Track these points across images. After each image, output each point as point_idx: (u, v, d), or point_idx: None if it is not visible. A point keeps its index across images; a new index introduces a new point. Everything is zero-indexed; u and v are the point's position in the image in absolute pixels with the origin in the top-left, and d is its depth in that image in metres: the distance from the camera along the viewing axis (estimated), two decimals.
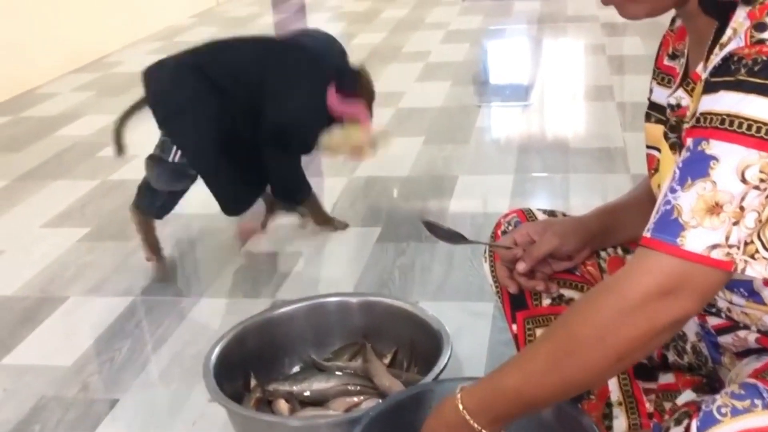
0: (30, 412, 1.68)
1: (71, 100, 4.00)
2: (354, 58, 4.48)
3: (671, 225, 0.82)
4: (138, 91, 4.06)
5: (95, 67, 4.69)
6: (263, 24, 5.82)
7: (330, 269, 2.22)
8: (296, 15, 6.15)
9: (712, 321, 1.12)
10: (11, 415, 1.68)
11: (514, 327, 1.32)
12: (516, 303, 1.30)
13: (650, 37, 4.21)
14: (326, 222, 2.39)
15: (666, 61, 1.12)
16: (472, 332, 1.82)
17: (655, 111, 1.13)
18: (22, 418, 1.66)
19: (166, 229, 2.51)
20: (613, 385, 1.24)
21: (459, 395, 0.96)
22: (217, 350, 1.53)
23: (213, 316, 2.01)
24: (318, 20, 5.87)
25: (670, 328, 0.85)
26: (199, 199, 2.71)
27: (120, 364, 1.83)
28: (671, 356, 1.26)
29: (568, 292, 1.28)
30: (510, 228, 1.36)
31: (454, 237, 1.36)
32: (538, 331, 1.29)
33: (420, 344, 1.58)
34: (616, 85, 3.67)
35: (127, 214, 2.32)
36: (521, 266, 1.21)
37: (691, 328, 1.20)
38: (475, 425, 0.95)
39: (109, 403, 1.69)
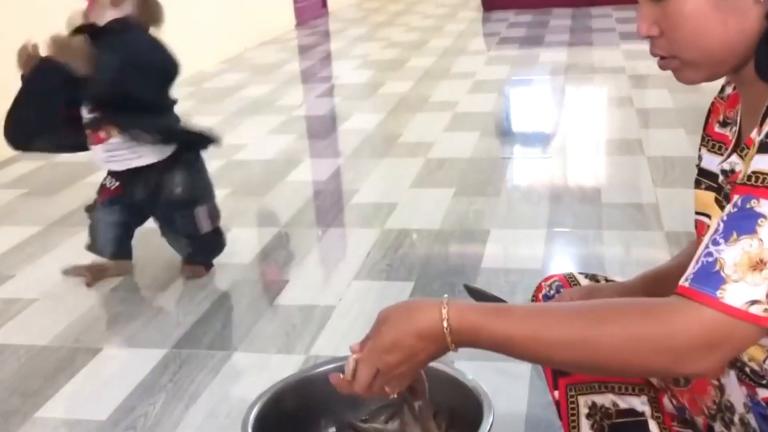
0: None
1: None
2: (382, 107, 4.56)
3: (712, 277, 0.82)
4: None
5: None
6: (290, 70, 5.89)
7: (363, 324, 2.21)
8: (323, 62, 6.23)
9: (762, 393, 1.10)
10: None
11: (556, 393, 1.30)
12: (559, 370, 1.29)
13: (677, 90, 4.23)
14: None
15: (717, 129, 1.12)
16: (509, 394, 1.80)
17: (705, 178, 1.13)
18: None
19: (199, 281, 2.52)
20: None
21: (447, 308, 0.92)
22: (254, 411, 1.52)
23: (246, 372, 2.00)
24: (344, 68, 5.94)
25: (693, 375, 0.86)
26: (231, 249, 2.74)
27: (154, 420, 1.82)
28: (718, 427, 1.24)
29: None
30: (552, 292, 1.36)
31: (496, 302, 1.35)
32: (581, 399, 1.28)
33: (459, 407, 1.56)
34: (644, 138, 3.67)
35: (159, 265, 2.34)
36: None
37: (739, 400, 1.18)
38: (449, 341, 0.92)
39: None
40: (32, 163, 3.72)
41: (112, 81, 2.16)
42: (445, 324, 0.92)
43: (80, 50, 2.15)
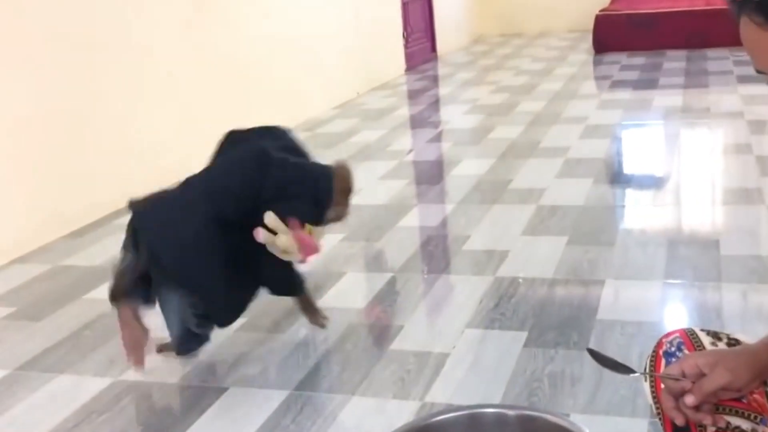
0: None
1: None
2: (492, 152, 4.59)
3: None
4: None
5: None
6: (400, 115, 6.02)
7: (477, 373, 2.24)
8: (432, 107, 6.33)
9: None
10: None
11: None
12: (679, 426, 1.29)
13: None
14: (314, 315, 2.50)
15: None
16: None
17: None
18: None
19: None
20: None
21: None
22: None
23: (364, 417, 2.06)
24: (453, 112, 6.02)
25: None
26: (346, 293, 2.83)
27: None
28: None
29: (734, 420, 1.26)
30: (672, 349, 1.36)
31: (620, 368, 1.35)
32: None
33: None
34: (765, 186, 3.57)
35: (278, 308, 2.45)
36: (690, 400, 1.21)
37: None
38: None
39: None
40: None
41: None
42: None
43: None
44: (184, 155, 4.60)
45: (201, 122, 4.80)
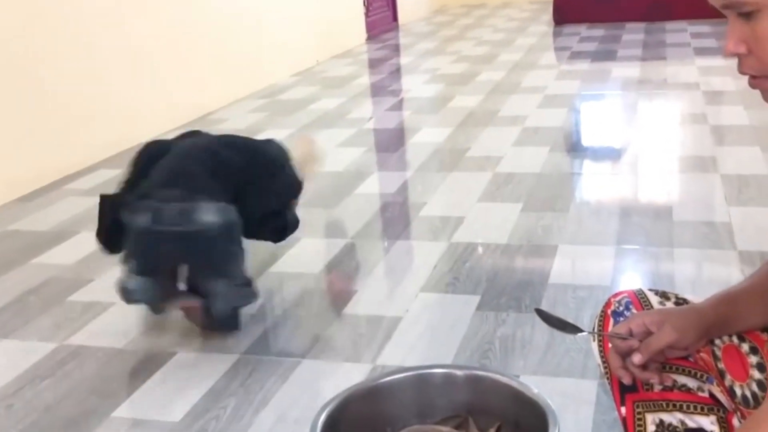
0: None
1: None
2: (451, 121, 4.58)
3: None
4: None
5: (200, 124, 4.88)
6: (361, 84, 5.96)
7: (430, 336, 2.23)
8: (393, 76, 6.29)
9: None
10: None
11: (623, 410, 1.30)
12: (625, 385, 1.29)
13: (753, 107, 4.14)
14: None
15: None
16: (575, 410, 1.80)
17: None
18: None
19: (268, 285, 2.59)
20: None
21: None
22: (323, 416, 1.56)
23: (314, 379, 2.04)
24: (414, 82, 5.98)
25: None
26: (301, 259, 2.80)
27: (225, 423, 1.87)
28: None
29: (681, 379, 1.26)
30: (621, 308, 1.35)
31: (568, 327, 1.35)
32: (649, 416, 1.28)
33: (524, 422, 1.56)
34: (718, 155, 3.60)
35: None
36: (637, 358, 1.20)
37: None
38: None
39: None
40: None
41: None
42: None
43: None
44: (136, 121, 4.52)
45: (156, 89, 4.71)
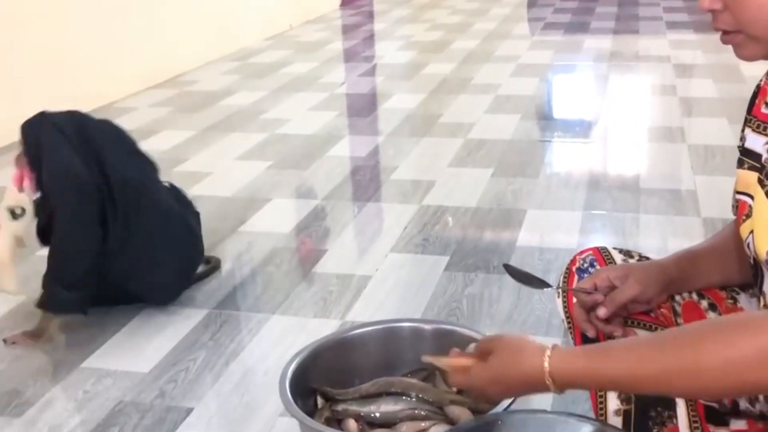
0: (108, 414, 1.75)
1: (149, 116, 4.14)
2: (424, 87, 4.58)
3: None
4: (211, 111, 4.17)
5: (172, 85, 4.84)
6: (334, 49, 5.94)
7: (398, 295, 2.26)
8: (366, 42, 6.26)
9: None
10: (91, 416, 1.75)
11: None
12: (588, 340, 1.32)
13: (722, 80, 4.20)
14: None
15: (764, 109, 1.14)
16: None
17: (748, 158, 1.15)
18: (101, 421, 1.73)
19: (238, 245, 2.60)
20: (683, 425, 1.25)
21: (548, 356, 0.97)
22: (292, 366, 1.58)
23: (284, 334, 2.06)
24: (387, 48, 5.97)
25: None
26: (271, 219, 2.81)
27: (195, 374, 1.89)
28: (743, 403, 1.26)
29: (642, 333, 1.30)
30: (585, 265, 1.38)
31: (535, 281, 1.38)
32: None
33: None
34: (686, 126, 3.66)
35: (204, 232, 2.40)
36: (602, 312, 1.24)
37: None
38: (551, 386, 0.97)
39: (185, 411, 1.75)
40: None
41: None
42: (547, 374, 0.97)
43: None
44: (108, 82, 4.47)
45: (128, 49, 4.65)
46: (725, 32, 1.02)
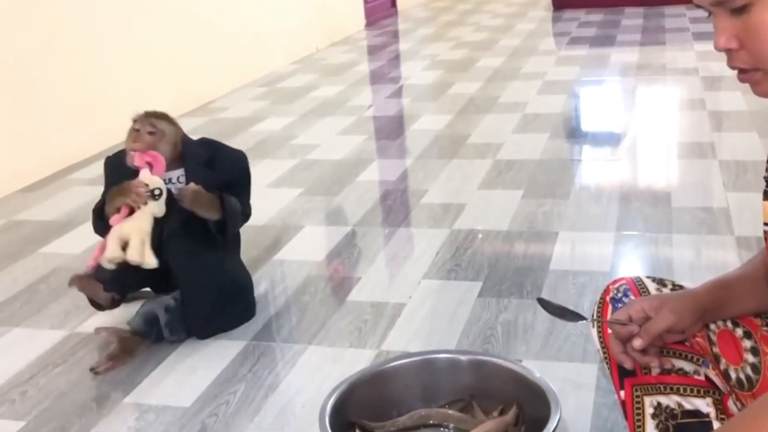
0: None
1: None
2: (451, 108, 4.60)
3: None
4: (243, 138, 4.23)
5: (202, 112, 4.91)
6: (360, 71, 5.99)
7: (433, 322, 2.27)
8: (392, 63, 6.31)
9: None
10: None
11: (622, 393, 1.34)
12: (624, 370, 1.33)
13: (751, 93, 4.15)
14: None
15: None
16: (575, 393, 1.85)
17: None
18: None
19: (273, 274, 2.63)
20: None
21: None
22: (331, 400, 1.60)
23: (320, 365, 2.09)
24: (413, 68, 6.00)
25: None
26: (304, 247, 2.84)
27: (235, 407, 1.92)
28: None
29: (678, 363, 1.30)
30: (619, 295, 1.39)
31: (569, 314, 1.39)
32: (647, 399, 1.32)
33: (527, 405, 1.62)
34: (716, 141, 3.64)
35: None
36: (638, 343, 1.24)
37: None
38: None
39: None
40: None
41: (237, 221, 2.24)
42: None
43: (207, 199, 2.15)
44: (138, 111, 4.53)
45: (158, 79, 4.73)
46: (742, 71, 1.02)
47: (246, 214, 2.31)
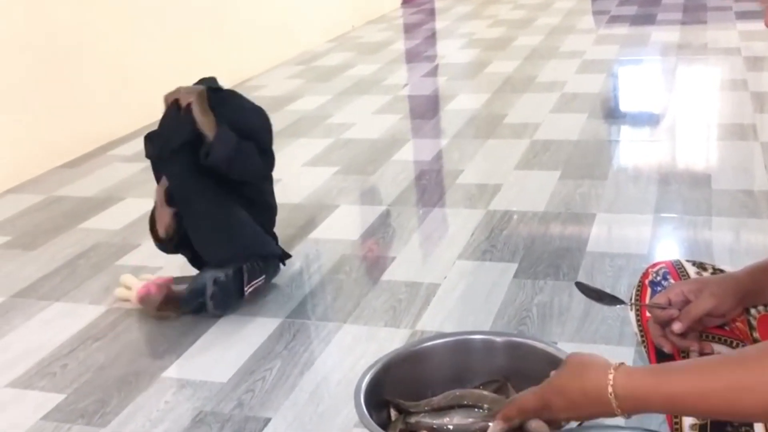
0: (190, 424, 1.82)
1: None
2: (487, 87, 4.56)
3: None
4: (279, 116, 4.24)
5: (239, 90, 4.91)
6: (396, 49, 5.96)
7: (467, 303, 2.27)
8: (427, 41, 6.27)
9: None
10: (173, 426, 1.81)
11: None
12: (662, 354, 1.32)
13: None
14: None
15: None
16: None
17: None
18: (182, 431, 1.80)
19: (309, 252, 2.64)
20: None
21: (612, 376, 0.95)
22: (366, 379, 1.61)
23: (355, 344, 2.10)
24: (450, 47, 5.96)
25: None
26: (340, 225, 2.85)
27: (271, 384, 1.94)
28: None
29: (717, 347, 1.29)
30: (659, 278, 1.38)
31: (607, 298, 1.38)
32: None
33: None
34: (759, 123, 3.57)
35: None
36: (677, 327, 1.23)
37: None
38: (613, 402, 0.95)
39: (263, 421, 1.80)
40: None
41: (227, 158, 2.24)
42: (609, 389, 0.95)
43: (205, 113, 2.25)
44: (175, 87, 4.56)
45: (193, 56, 4.75)
46: None
47: (260, 165, 2.36)
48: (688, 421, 1.26)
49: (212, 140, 2.21)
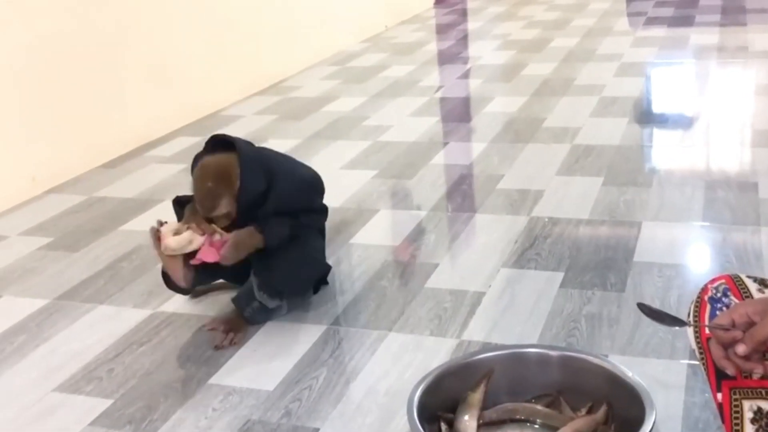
0: None
1: (255, 124, 4.24)
2: (525, 90, 4.51)
3: None
4: (315, 117, 4.23)
5: (275, 91, 4.93)
6: (430, 50, 5.93)
7: (514, 313, 2.24)
8: (461, 42, 6.23)
9: None
10: None
11: (719, 396, 1.30)
12: (723, 376, 1.29)
13: None
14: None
15: None
16: (664, 392, 1.80)
17: None
18: None
19: (351, 258, 2.63)
20: None
21: None
22: (418, 392, 1.59)
23: (401, 352, 2.08)
24: (484, 48, 5.92)
25: None
26: (380, 231, 2.83)
27: (318, 393, 1.93)
28: None
29: None
30: (718, 294, 1.35)
31: (667, 319, 1.35)
32: (746, 403, 1.28)
33: (617, 404, 1.58)
34: None
35: None
36: (741, 349, 1.20)
37: None
38: None
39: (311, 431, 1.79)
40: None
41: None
42: None
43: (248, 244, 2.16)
44: (212, 89, 4.59)
45: (230, 58, 4.76)
46: None
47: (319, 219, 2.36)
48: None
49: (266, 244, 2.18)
